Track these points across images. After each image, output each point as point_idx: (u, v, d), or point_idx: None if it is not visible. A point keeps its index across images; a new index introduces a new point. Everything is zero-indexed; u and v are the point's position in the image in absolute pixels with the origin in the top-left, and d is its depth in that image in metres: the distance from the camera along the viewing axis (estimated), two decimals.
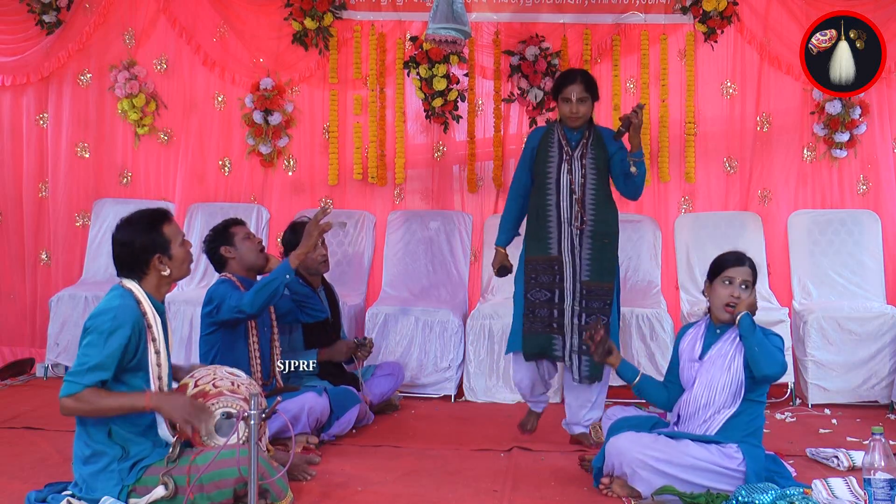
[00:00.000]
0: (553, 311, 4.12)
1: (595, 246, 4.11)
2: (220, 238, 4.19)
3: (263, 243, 4.42)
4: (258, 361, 4.08)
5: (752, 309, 3.43)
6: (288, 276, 3.92)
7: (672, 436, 3.39)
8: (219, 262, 4.21)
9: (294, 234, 4.63)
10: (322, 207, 4.20)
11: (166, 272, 3.10)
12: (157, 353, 3.05)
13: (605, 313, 4.09)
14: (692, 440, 3.35)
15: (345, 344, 4.63)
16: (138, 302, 3.04)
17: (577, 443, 4.19)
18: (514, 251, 4.30)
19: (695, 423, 3.45)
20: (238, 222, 4.28)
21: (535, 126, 5.63)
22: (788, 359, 5.08)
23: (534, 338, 4.13)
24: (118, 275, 3.12)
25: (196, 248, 5.53)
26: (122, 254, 3.09)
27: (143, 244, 3.07)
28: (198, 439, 3.07)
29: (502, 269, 4.33)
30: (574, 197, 4.09)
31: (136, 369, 3.03)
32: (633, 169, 4.06)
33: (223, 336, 4.02)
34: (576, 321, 4.10)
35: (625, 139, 4.11)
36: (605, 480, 3.42)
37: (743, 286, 3.44)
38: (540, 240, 4.15)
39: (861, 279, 5.56)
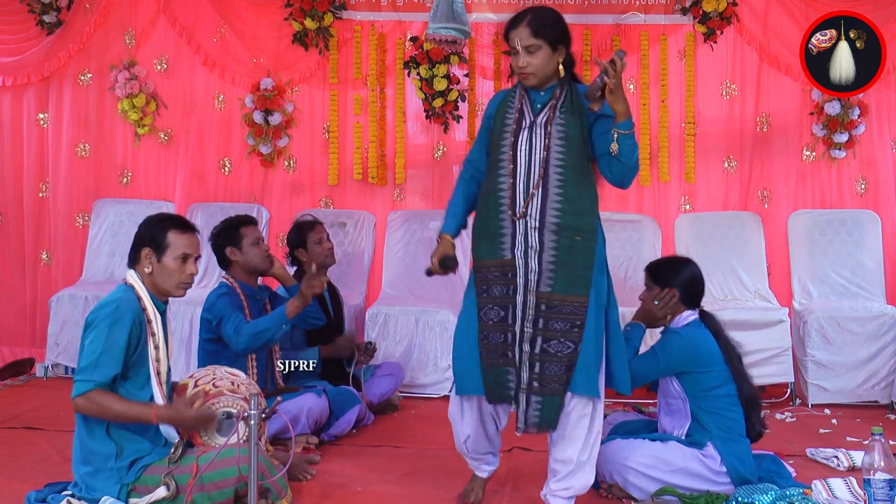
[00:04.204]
0: (506, 336, 3.06)
1: (561, 245, 3.00)
2: (228, 238, 4.14)
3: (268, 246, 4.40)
4: (255, 372, 4.07)
5: (647, 318, 3.54)
6: (285, 327, 3.91)
7: (661, 439, 3.38)
8: (223, 260, 4.18)
9: (298, 235, 4.65)
10: (317, 271, 3.98)
11: (148, 269, 3.10)
12: (157, 348, 3.07)
13: (572, 340, 2.99)
14: (678, 443, 3.35)
15: (346, 340, 4.61)
16: (139, 298, 3.07)
17: None
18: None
19: (669, 425, 3.48)
20: (249, 222, 4.21)
21: None
22: (788, 359, 5.12)
23: (492, 372, 3.08)
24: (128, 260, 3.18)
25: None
26: (136, 233, 3.17)
27: (143, 234, 3.13)
28: (198, 439, 3.10)
29: (446, 261, 3.15)
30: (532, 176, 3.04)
31: (138, 365, 3.04)
32: (613, 146, 2.93)
33: (222, 344, 4.00)
34: (527, 349, 3.04)
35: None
36: (605, 484, 3.42)
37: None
38: (492, 238, 3.10)
39: (861, 279, 5.55)
